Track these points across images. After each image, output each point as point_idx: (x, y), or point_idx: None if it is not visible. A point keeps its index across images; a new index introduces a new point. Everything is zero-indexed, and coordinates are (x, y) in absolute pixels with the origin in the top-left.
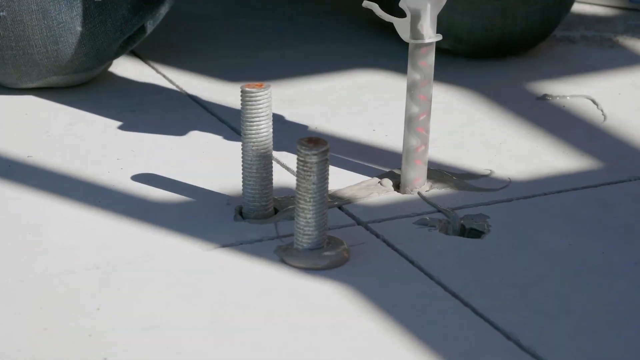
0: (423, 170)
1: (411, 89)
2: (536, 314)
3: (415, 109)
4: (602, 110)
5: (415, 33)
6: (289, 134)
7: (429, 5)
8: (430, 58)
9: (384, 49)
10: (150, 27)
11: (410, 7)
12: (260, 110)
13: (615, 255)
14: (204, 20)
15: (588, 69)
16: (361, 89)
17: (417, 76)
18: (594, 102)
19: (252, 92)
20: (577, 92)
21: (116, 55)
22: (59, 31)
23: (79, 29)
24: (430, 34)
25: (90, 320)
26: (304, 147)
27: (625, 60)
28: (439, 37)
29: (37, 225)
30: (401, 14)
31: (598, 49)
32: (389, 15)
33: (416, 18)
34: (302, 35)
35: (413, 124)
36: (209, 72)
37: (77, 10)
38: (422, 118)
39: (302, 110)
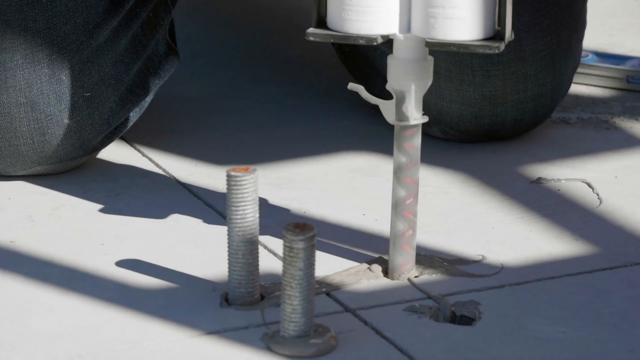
0: (411, 256)
1: (397, 172)
2: None
3: (401, 193)
4: (597, 194)
5: (401, 115)
6: (277, 218)
7: (413, 87)
8: (417, 140)
9: (375, 131)
10: (135, 116)
11: (395, 89)
12: (246, 195)
13: (609, 343)
14: (190, 102)
15: (584, 152)
16: (351, 172)
17: (403, 159)
18: (589, 185)
19: (238, 177)
20: (572, 175)
21: (102, 145)
22: (46, 123)
23: (67, 121)
24: (415, 116)
25: None
26: (290, 233)
27: (621, 142)
28: (425, 119)
29: (18, 312)
30: (389, 96)
31: (594, 130)
32: (375, 98)
33: (401, 100)
34: (290, 117)
35: (400, 207)
36: (195, 155)
37: (66, 103)
38: (409, 202)
39: (291, 194)
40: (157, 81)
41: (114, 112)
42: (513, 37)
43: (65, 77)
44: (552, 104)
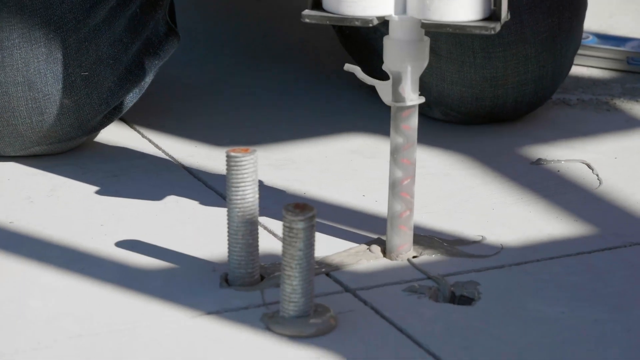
0: (408, 236)
1: (394, 153)
2: None
3: (398, 174)
4: (597, 175)
5: (397, 96)
6: (277, 199)
7: (409, 68)
8: (413, 121)
9: (375, 113)
10: (134, 97)
11: (391, 70)
12: (245, 176)
13: (608, 324)
14: (191, 84)
15: (584, 133)
16: (352, 153)
17: (399, 140)
18: (589, 166)
19: (238, 157)
20: (572, 156)
21: (101, 126)
22: (44, 103)
23: (65, 100)
24: (411, 97)
25: None
26: (289, 213)
27: (622, 123)
28: (422, 100)
29: (17, 293)
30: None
31: (595, 112)
32: (371, 79)
33: (397, 81)
34: (290, 100)
35: (397, 188)
36: (196, 137)
37: (64, 82)
38: (406, 183)
39: (292, 175)
40: (156, 62)
41: (112, 92)
42: (509, 17)
43: (62, 56)
44: (553, 85)
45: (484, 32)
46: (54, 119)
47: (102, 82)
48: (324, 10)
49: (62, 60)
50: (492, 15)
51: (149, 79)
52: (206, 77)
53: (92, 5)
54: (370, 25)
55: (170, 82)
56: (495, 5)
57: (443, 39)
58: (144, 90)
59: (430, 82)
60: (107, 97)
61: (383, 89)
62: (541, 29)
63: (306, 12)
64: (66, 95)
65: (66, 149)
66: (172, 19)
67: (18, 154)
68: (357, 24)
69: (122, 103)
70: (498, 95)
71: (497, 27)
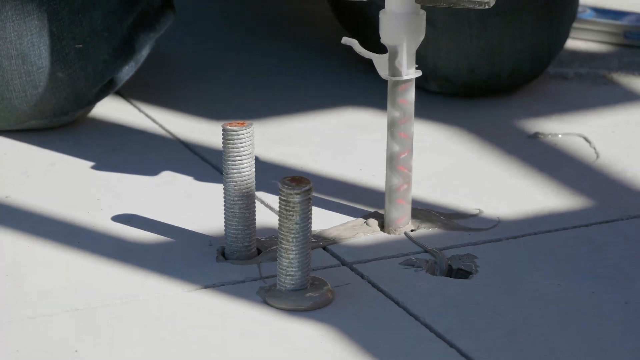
0: (406, 210)
1: (391, 126)
2: (523, 356)
3: (396, 148)
4: (594, 149)
5: (393, 70)
6: (274, 173)
7: (405, 42)
8: (410, 95)
9: (374, 87)
10: (130, 71)
11: (387, 44)
12: (242, 149)
13: (604, 296)
14: (188, 57)
15: (581, 107)
16: (349, 127)
17: (396, 114)
18: (586, 140)
19: (234, 131)
20: (569, 130)
21: (96, 99)
22: (38, 76)
23: (59, 74)
24: (408, 71)
25: None
26: (286, 186)
27: (619, 97)
28: (418, 74)
29: (14, 267)
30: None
31: (592, 86)
32: (369, 52)
33: (394, 54)
34: (288, 73)
35: (394, 162)
36: (193, 111)
37: (58, 55)
38: (403, 156)
39: (289, 150)
40: (152, 34)
41: (107, 65)
42: None
43: (55, 29)
44: (549, 56)
45: (477, 6)
46: (48, 92)
47: (97, 54)
48: None
49: (56, 32)
50: None
51: (144, 53)
52: (203, 51)
53: None
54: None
55: (167, 56)
56: None
57: (438, 9)
58: (139, 64)
59: (426, 53)
60: (102, 70)
61: (380, 62)
62: None
63: None
64: (60, 68)
65: (62, 123)
66: None
67: (13, 128)
68: None
69: (117, 77)
70: (494, 65)
71: (492, 1)
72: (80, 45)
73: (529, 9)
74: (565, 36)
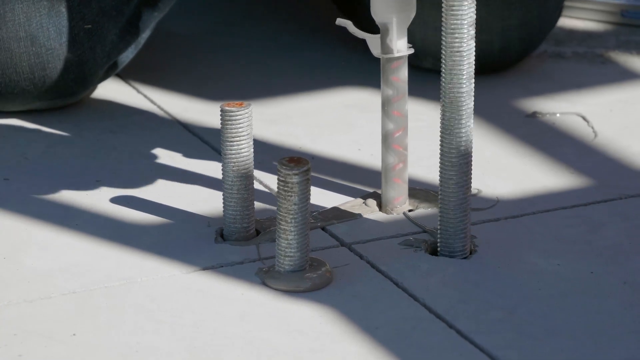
0: (403, 189)
1: (385, 105)
2: (522, 335)
3: (390, 126)
4: (592, 128)
5: (385, 48)
6: (272, 154)
7: (394, 19)
8: (403, 73)
9: (372, 66)
10: (133, 51)
11: (378, 22)
12: (240, 130)
13: (603, 275)
14: (186, 39)
15: (579, 86)
16: (348, 107)
17: (389, 92)
18: (584, 119)
19: (232, 111)
20: (567, 109)
21: (100, 80)
22: (47, 58)
23: (69, 55)
24: (399, 48)
25: (65, 347)
26: (284, 167)
27: (617, 76)
28: (411, 51)
29: (12, 249)
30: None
31: (589, 65)
32: (362, 32)
33: (385, 32)
34: (287, 54)
35: (389, 141)
36: (192, 92)
37: (66, 36)
38: (397, 135)
39: (287, 130)
40: (156, 14)
41: (114, 45)
42: None
43: (64, 10)
44: (540, 32)
45: None
46: (57, 73)
47: (105, 35)
48: None
49: (65, 13)
50: None
51: (147, 33)
52: (201, 30)
53: None
54: None
55: (165, 37)
56: None
57: None
58: (140, 46)
59: (414, 29)
60: (109, 50)
61: (372, 41)
62: None
63: None
64: (70, 49)
65: (65, 103)
66: None
67: (17, 109)
68: None
69: (120, 58)
70: (483, 40)
71: None
72: (89, 26)
73: None
74: (556, 12)
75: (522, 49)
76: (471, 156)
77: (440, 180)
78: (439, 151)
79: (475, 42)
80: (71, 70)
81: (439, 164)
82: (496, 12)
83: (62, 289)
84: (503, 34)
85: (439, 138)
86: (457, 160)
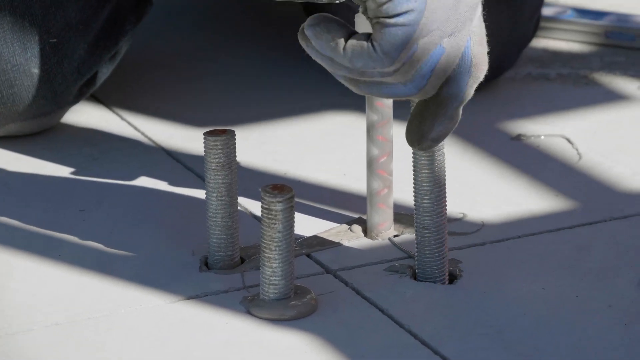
0: (388, 215)
1: (370, 130)
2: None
3: (375, 151)
4: (577, 150)
5: None
6: (257, 180)
7: None
8: None
9: None
10: (108, 69)
11: None
12: (223, 158)
13: (589, 298)
14: (170, 60)
15: (563, 107)
16: (333, 131)
17: (374, 116)
18: (569, 141)
19: (214, 139)
20: (552, 131)
21: (75, 100)
22: (13, 74)
23: (35, 70)
24: None
25: None
26: (268, 195)
27: (601, 97)
28: None
29: None
30: None
31: (574, 86)
32: None
33: None
34: (272, 77)
35: (374, 166)
36: (176, 118)
37: (32, 51)
38: (382, 160)
39: (271, 155)
40: (128, 28)
41: (84, 61)
42: None
43: (29, 24)
44: (512, 42)
45: None
46: (25, 90)
47: (73, 49)
48: None
49: (29, 27)
50: None
51: (122, 48)
52: (186, 54)
53: None
54: (337, 2)
55: (148, 59)
56: None
57: None
58: (117, 61)
59: None
60: (79, 65)
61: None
62: None
63: None
64: (35, 65)
65: (42, 127)
66: None
67: None
68: (324, 0)
69: (95, 76)
70: None
71: None
72: (55, 40)
73: None
74: (529, 23)
75: (496, 59)
76: (444, 183)
77: (415, 207)
78: (412, 178)
79: None
80: (40, 88)
81: (413, 191)
82: None
83: (45, 320)
84: None
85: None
86: (430, 187)
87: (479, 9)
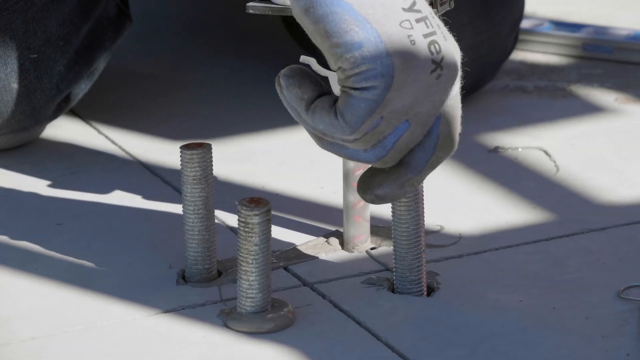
0: (365, 227)
1: None
2: None
3: (350, 164)
4: (554, 162)
5: None
6: (234, 193)
7: None
8: None
9: None
10: (87, 85)
11: None
12: (200, 171)
13: (565, 311)
14: (147, 76)
15: (540, 120)
16: (310, 144)
17: None
18: (546, 153)
19: (191, 153)
20: (529, 143)
21: (53, 115)
22: None
23: (14, 85)
24: None
25: None
26: (244, 208)
27: (578, 109)
28: None
29: None
30: None
31: (551, 98)
32: (325, 70)
33: None
34: (248, 90)
35: (350, 179)
36: (153, 132)
37: (12, 66)
38: (358, 172)
39: (248, 169)
40: (107, 44)
41: (63, 77)
42: (452, 6)
43: (9, 39)
44: (492, 55)
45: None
46: (4, 105)
47: (52, 64)
48: (268, 1)
49: (9, 42)
50: (431, 2)
51: (100, 65)
52: (163, 68)
53: None
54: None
55: (126, 76)
56: None
57: None
58: (95, 78)
59: None
60: (58, 81)
61: (334, 80)
62: None
63: (250, 3)
64: (15, 80)
65: (20, 142)
66: (124, 1)
67: None
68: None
69: (74, 91)
70: None
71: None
72: (35, 56)
73: (465, 7)
74: (507, 36)
75: (476, 74)
76: (422, 195)
77: (392, 220)
78: None
79: None
80: (19, 102)
81: (390, 204)
82: None
83: (21, 335)
84: None
85: None
86: (407, 200)
87: (456, 89)
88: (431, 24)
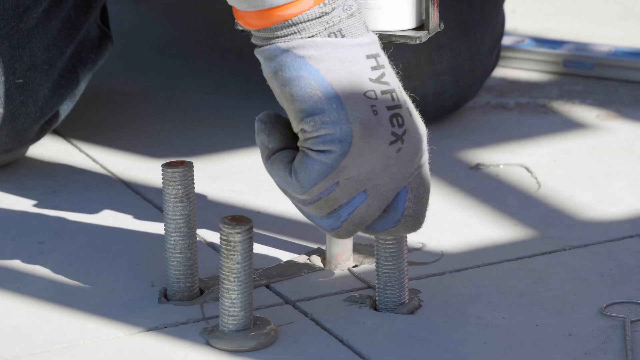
0: (347, 245)
1: None
2: None
3: None
4: (536, 179)
5: None
6: (216, 211)
7: None
8: None
9: None
10: (68, 106)
11: None
12: (181, 189)
13: (548, 327)
14: (128, 95)
15: (522, 136)
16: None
17: None
18: (528, 170)
19: (173, 171)
20: (511, 160)
21: (37, 137)
22: None
23: (0, 110)
24: None
25: None
26: (226, 226)
27: (559, 126)
28: None
29: None
30: None
31: (532, 115)
32: None
33: None
34: (229, 108)
35: None
36: (134, 149)
37: None
38: None
39: (230, 186)
40: (89, 66)
41: (47, 100)
42: (442, 27)
43: None
44: (473, 75)
45: (409, 41)
46: None
47: (37, 89)
48: None
49: None
50: (423, 24)
51: (82, 86)
52: (144, 87)
53: (25, 9)
54: None
55: (107, 94)
56: (425, 15)
57: None
58: (77, 99)
59: None
60: (42, 105)
61: None
62: (450, 16)
63: None
64: (1, 104)
65: (2, 162)
66: (105, 22)
67: None
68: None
69: (57, 113)
70: (415, 87)
71: (423, 37)
72: (21, 80)
73: (444, 28)
74: (488, 56)
75: (457, 93)
76: None
77: (375, 237)
78: None
79: (406, 87)
80: (4, 126)
81: None
82: (426, 57)
83: (3, 353)
84: (435, 78)
85: None
86: None
87: (422, 166)
88: (397, 98)
